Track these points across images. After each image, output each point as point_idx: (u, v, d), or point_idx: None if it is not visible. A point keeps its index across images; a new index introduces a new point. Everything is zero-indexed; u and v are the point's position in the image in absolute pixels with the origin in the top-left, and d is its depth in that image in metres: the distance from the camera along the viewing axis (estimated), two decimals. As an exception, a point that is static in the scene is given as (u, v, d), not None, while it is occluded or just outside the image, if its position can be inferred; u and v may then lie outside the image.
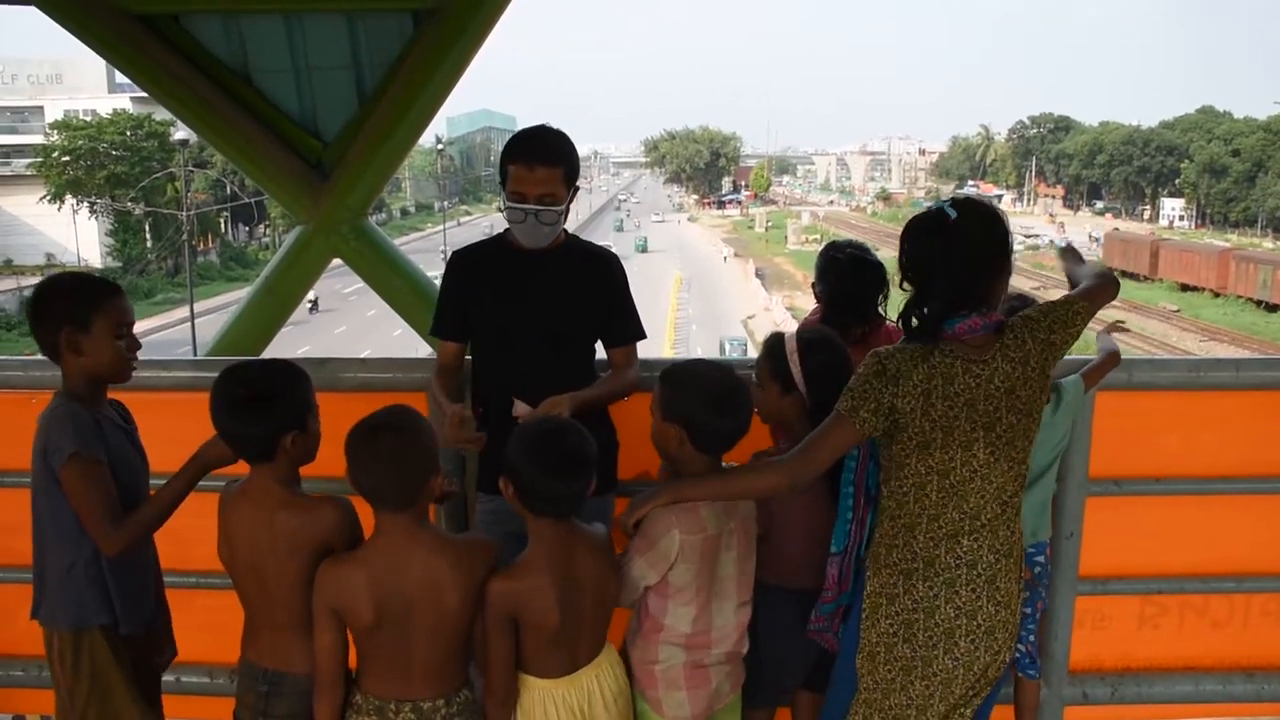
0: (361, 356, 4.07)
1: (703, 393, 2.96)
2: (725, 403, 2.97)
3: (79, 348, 2.99)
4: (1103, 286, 3.04)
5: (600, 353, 3.62)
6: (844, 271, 3.86)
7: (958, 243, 2.77)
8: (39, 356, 3.28)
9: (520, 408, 3.26)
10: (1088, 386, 3.58)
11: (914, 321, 2.83)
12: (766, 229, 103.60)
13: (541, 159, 3.33)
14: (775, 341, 3.34)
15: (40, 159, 56.41)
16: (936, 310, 2.79)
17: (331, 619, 2.76)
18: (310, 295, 48.24)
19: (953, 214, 2.78)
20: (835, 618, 3.18)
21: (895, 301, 3.06)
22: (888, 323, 3.82)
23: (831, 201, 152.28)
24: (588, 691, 2.90)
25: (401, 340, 33.22)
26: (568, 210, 3.45)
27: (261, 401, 2.84)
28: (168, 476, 3.05)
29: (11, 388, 3.90)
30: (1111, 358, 3.61)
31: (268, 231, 70.69)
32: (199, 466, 3.01)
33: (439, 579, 2.74)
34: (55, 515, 3.01)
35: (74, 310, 2.99)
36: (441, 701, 2.81)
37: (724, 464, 3.09)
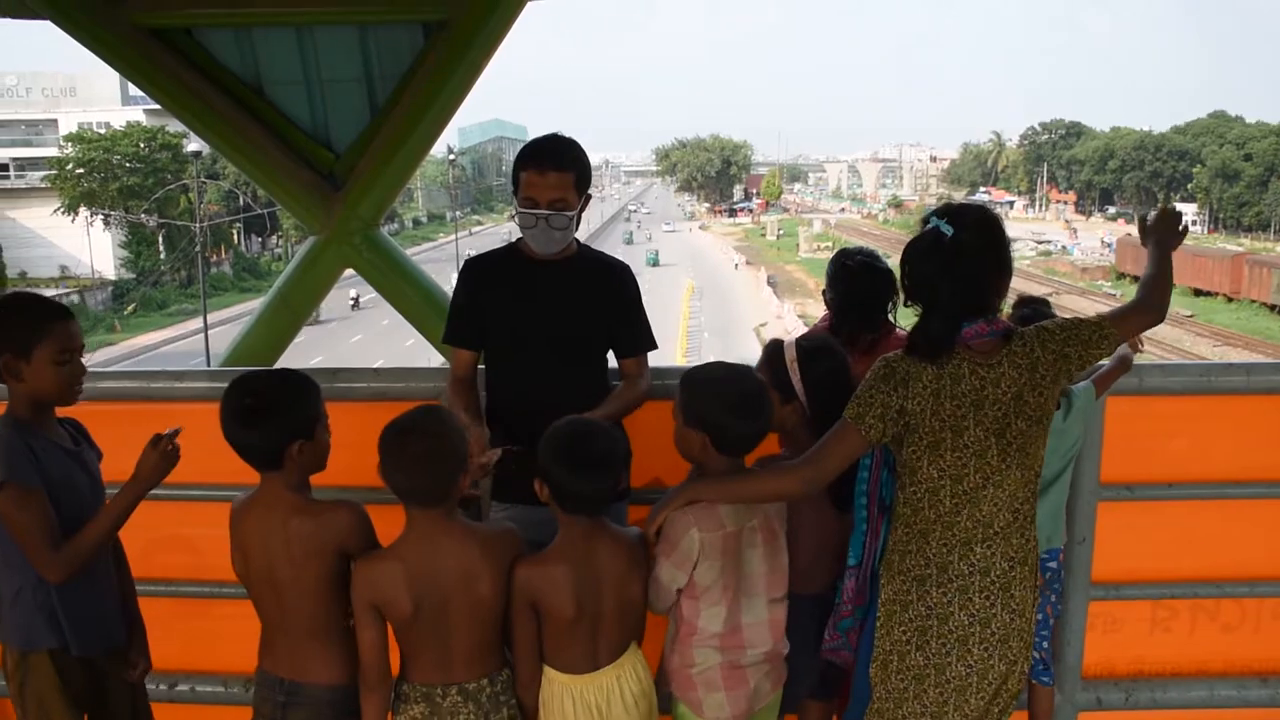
0: (374, 366, 4.09)
1: (722, 396, 2.99)
2: (745, 405, 2.99)
3: (19, 374, 2.97)
4: (1144, 314, 2.97)
5: (611, 361, 3.64)
6: (854, 278, 3.85)
7: (958, 259, 2.77)
8: None
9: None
10: (1099, 392, 3.58)
11: (920, 339, 2.83)
12: (778, 237, 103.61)
13: (553, 164, 3.37)
14: (774, 350, 3.35)
15: (54, 171, 56.74)
16: (941, 328, 2.80)
17: (372, 615, 2.84)
18: (351, 293, 50.45)
19: (949, 231, 2.78)
20: (851, 633, 3.20)
21: (906, 311, 3.05)
22: (898, 330, 3.82)
23: (843, 209, 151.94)
24: (607, 690, 2.97)
25: (414, 350, 33.30)
26: (579, 217, 3.48)
27: (268, 411, 2.88)
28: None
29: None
30: (1122, 364, 3.61)
31: (280, 242, 70.94)
32: (138, 484, 2.98)
33: (472, 567, 2.84)
34: (1, 540, 2.98)
35: (14, 337, 2.96)
36: (485, 682, 2.91)
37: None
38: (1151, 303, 2.95)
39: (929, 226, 2.83)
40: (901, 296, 2.95)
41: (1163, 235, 3.06)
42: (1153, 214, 3.14)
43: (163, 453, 2.96)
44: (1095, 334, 2.88)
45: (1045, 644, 3.67)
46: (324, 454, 2.98)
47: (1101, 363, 3.59)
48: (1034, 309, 3.53)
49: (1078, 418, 3.52)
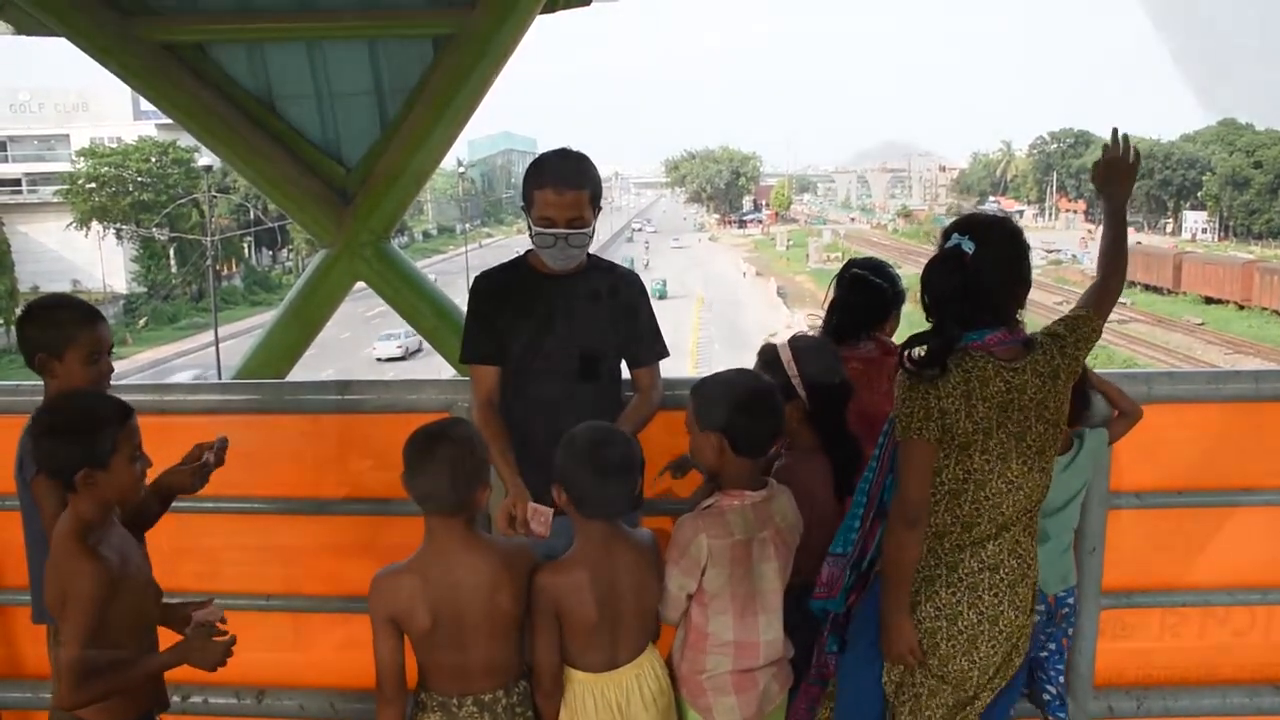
0: (386, 379, 4.11)
1: (736, 398, 3.03)
2: (759, 405, 3.03)
3: (53, 372, 3.11)
4: (1110, 296, 3.02)
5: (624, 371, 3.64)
6: (845, 289, 3.95)
7: (979, 275, 2.79)
8: (29, 382, 3.39)
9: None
10: (1111, 439, 3.57)
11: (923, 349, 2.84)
12: (788, 247, 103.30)
13: (569, 184, 3.38)
14: (770, 353, 3.42)
15: (67, 186, 57.06)
16: (943, 342, 2.80)
17: (389, 627, 2.87)
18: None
19: (970, 248, 2.79)
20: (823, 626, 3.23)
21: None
22: (887, 345, 3.84)
23: (853, 219, 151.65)
24: (627, 689, 3.01)
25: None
26: (593, 231, 3.49)
27: (59, 432, 2.77)
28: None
29: (4, 412, 3.89)
30: (1132, 415, 3.59)
31: (291, 256, 71.12)
32: (163, 490, 3.13)
33: (492, 580, 2.87)
34: (39, 522, 3.07)
35: (47, 338, 3.11)
36: (501, 692, 2.95)
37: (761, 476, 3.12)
38: (1112, 286, 3.02)
39: (950, 244, 2.83)
40: (922, 312, 2.95)
41: (1113, 183, 3.07)
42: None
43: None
44: (1089, 328, 2.94)
45: (1060, 678, 3.66)
46: (126, 487, 2.83)
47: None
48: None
49: (1087, 459, 3.50)
